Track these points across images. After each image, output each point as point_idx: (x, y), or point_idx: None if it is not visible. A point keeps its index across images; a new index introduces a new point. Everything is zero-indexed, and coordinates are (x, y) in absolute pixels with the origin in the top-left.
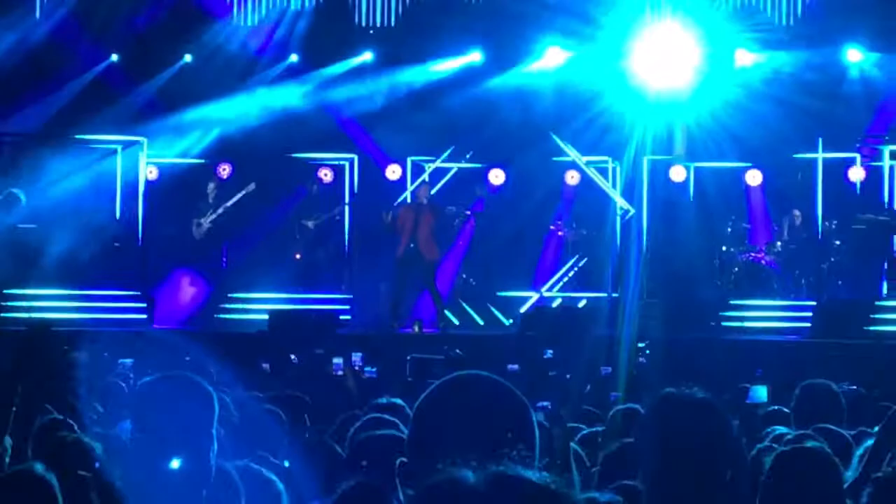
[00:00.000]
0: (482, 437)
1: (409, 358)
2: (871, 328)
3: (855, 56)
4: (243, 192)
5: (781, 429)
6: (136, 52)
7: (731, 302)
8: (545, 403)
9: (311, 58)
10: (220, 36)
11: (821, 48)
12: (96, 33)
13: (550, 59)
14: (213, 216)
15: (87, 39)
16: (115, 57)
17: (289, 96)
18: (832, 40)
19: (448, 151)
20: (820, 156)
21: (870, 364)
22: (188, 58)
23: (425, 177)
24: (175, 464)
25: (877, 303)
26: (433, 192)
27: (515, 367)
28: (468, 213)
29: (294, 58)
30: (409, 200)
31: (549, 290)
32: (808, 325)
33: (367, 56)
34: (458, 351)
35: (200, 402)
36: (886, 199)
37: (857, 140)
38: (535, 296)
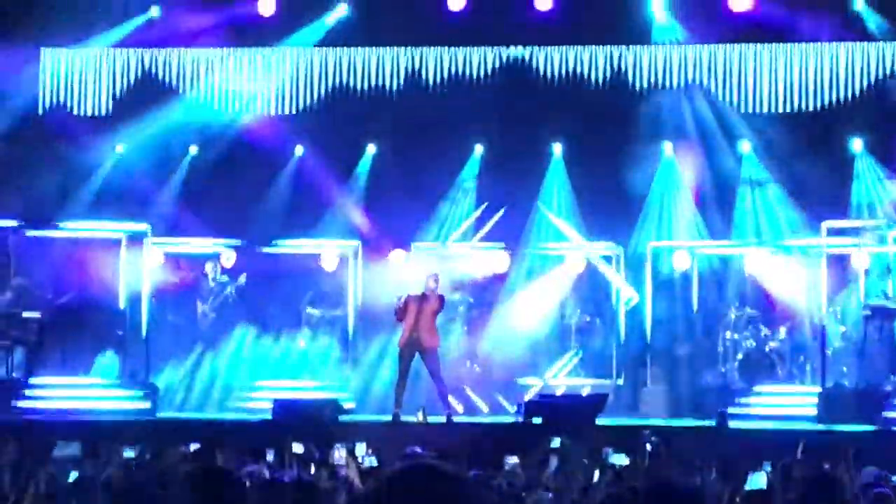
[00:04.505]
0: None
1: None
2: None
3: (858, 145)
4: (236, 283)
5: None
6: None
7: (736, 389)
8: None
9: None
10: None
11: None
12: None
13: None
14: (216, 304)
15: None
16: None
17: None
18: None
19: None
20: (824, 241)
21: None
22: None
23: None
24: None
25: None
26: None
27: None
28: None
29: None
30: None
31: (553, 377)
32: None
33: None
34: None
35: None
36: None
37: (860, 226)
38: (539, 383)
